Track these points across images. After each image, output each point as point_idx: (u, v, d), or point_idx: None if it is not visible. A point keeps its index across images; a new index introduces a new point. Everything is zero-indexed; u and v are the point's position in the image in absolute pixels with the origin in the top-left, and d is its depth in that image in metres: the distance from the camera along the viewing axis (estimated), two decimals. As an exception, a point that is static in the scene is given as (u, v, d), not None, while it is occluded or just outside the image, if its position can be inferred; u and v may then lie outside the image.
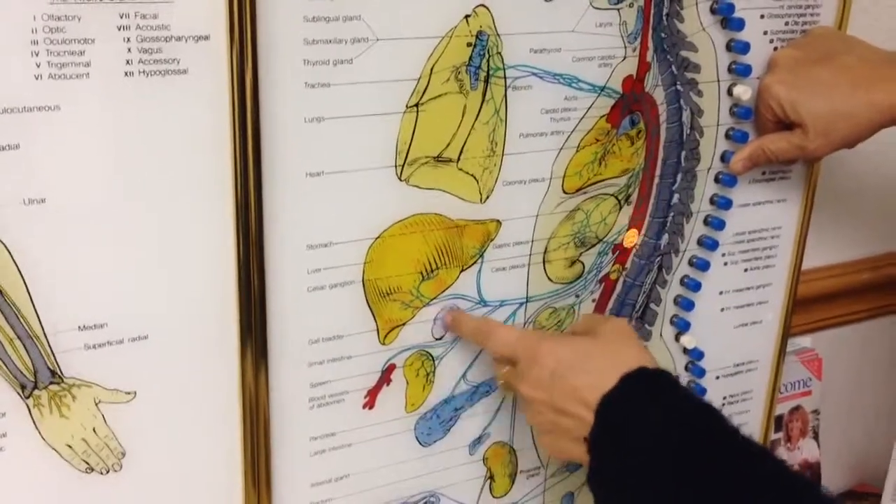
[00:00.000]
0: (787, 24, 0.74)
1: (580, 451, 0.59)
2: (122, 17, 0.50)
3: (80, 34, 0.50)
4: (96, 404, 0.57)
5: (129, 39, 0.51)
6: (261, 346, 0.60)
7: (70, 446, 0.57)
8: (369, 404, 0.67)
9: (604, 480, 0.58)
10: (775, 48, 0.75)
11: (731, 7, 0.71)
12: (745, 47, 0.72)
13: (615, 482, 0.57)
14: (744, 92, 0.73)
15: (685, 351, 0.81)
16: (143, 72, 0.52)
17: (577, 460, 0.61)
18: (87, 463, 0.57)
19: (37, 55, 0.49)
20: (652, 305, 0.78)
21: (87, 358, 0.56)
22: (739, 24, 0.71)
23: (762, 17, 0.73)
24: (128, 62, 0.51)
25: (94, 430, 0.57)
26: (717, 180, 0.77)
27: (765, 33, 0.74)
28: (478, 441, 0.73)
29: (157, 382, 0.58)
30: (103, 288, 0.55)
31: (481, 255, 0.67)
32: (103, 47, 0.50)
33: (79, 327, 0.55)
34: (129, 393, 0.58)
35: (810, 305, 0.93)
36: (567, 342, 0.63)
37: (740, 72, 0.73)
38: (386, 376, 0.67)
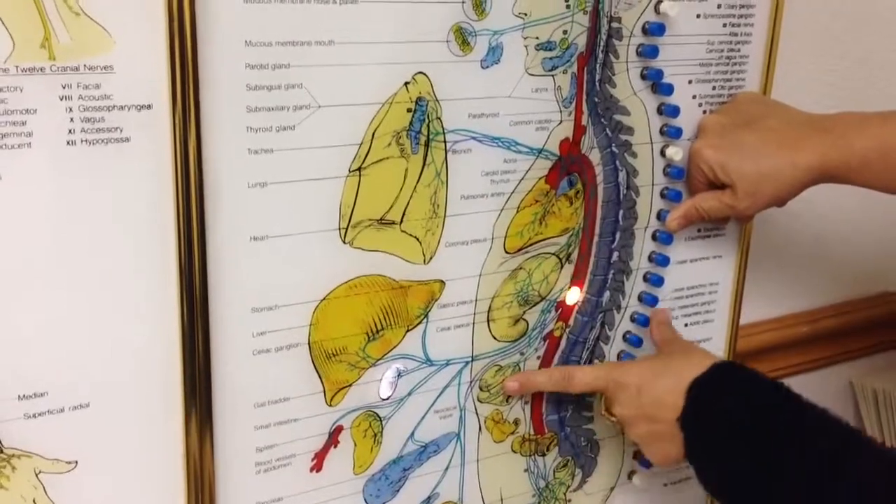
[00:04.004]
0: (714, 88, 0.78)
1: (679, 448, 0.67)
2: (64, 88, 0.51)
3: (22, 105, 0.50)
4: (36, 475, 0.56)
5: (71, 109, 0.51)
6: (205, 411, 0.60)
7: (9, 519, 0.55)
8: (317, 467, 0.67)
9: (699, 455, 0.66)
10: (704, 111, 0.78)
11: (661, 73, 0.74)
12: (675, 111, 0.75)
13: (709, 454, 0.66)
14: (675, 153, 0.76)
15: (630, 406, 0.82)
16: (86, 140, 0.53)
17: (683, 459, 0.68)
18: (26, 536, 0.56)
19: (-23, 126, 0.50)
20: (596, 362, 0.79)
21: (27, 428, 0.55)
22: (669, 90, 0.75)
23: (690, 82, 0.76)
24: (70, 131, 0.52)
25: (33, 501, 0.56)
26: (654, 238, 0.79)
27: (693, 97, 0.77)
28: (427, 501, 0.73)
29: (99, 451, 0.58)
30: (43, 356, 0.55)
31: (426, 315, 0.68)
32: (46, 117, 0.51)
33: (18, 397, 0.54)
34: (69, 462, 0.57)
35: (751, 359, 0.95)
36: (640, 361, 0.73)
37: (672, 134, 0.76)
38: (333, 438, 0.67)
